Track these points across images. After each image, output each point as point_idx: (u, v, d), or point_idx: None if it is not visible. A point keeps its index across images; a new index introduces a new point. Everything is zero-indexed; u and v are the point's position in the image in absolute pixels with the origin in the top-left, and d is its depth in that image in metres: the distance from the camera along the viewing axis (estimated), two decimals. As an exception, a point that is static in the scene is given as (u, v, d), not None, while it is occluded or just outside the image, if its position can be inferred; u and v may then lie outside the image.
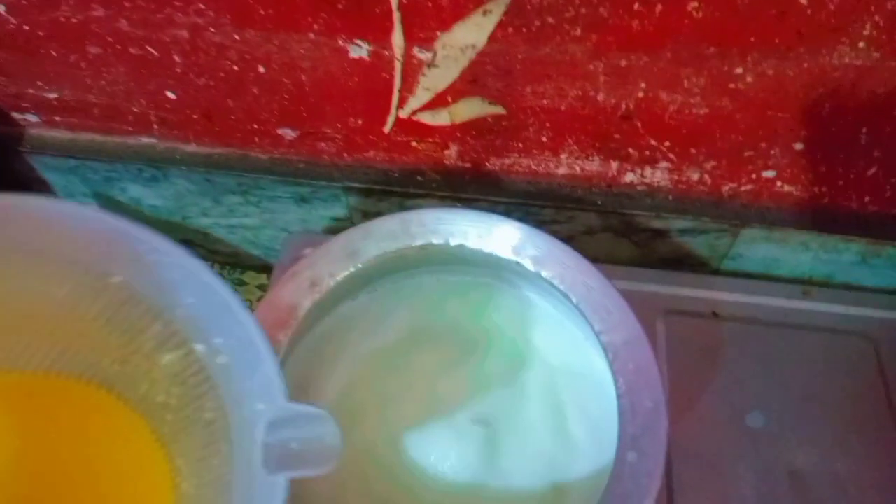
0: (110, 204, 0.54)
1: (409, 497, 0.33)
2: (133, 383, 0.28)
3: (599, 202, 0.46)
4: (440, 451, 0.33)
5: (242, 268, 0.59)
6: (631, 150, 0.43)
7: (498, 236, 0.35)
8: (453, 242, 0.35)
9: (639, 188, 0.45)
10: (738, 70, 0.37)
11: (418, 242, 0.35)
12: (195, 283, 0.26)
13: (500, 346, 0.38)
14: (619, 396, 0.31)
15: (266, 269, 0.58)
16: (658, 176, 0.44)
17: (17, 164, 0.52)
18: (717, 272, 0.50)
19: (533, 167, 0.45)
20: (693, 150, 0.42)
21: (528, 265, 0.34)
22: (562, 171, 0.45)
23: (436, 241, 0.35)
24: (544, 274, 0.34)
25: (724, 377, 0.43)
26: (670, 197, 0.45)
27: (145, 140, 0.48)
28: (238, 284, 0.58)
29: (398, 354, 0.38)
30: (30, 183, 0.53)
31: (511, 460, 0.34)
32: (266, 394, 0.24)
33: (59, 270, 0.26)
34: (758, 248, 0.47)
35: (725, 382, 0.43)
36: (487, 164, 0.45)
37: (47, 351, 0.27)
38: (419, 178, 0.47)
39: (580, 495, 0.31)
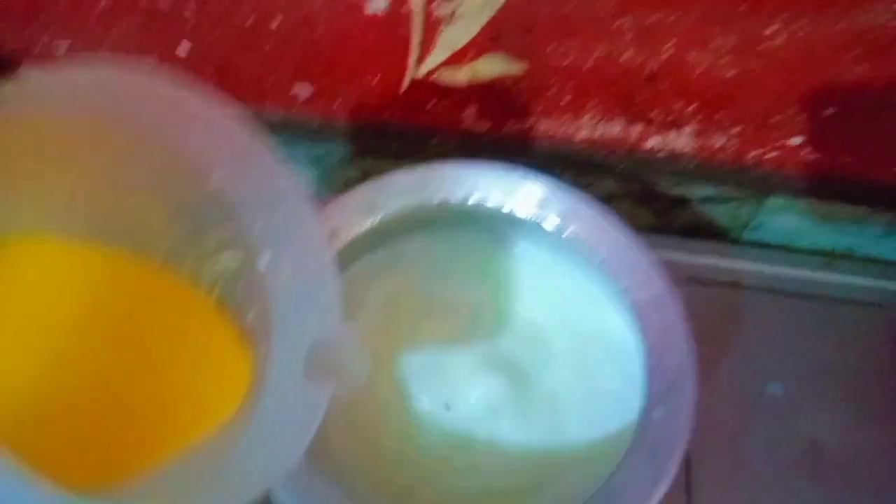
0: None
1: (425, 451, 0.32)
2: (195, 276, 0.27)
3: (620, 168, 0.45)
4: (462, 395, 0.33)
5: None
6: (655, 114, 0.42)
7: (521, 193, 0.34)
8: (472, 200, 0.34)
9: (661, 154, 0.44)
10: (769, 30, 0.36)
11: (437, 198, 0.34)
12: (280, 194, 0.26)
13: (517, 311, 0.37)
14: (645, 353, 0.30)
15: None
16: (681, 142, 0.43)
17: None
18: (737, 242, 0.49)
19: (553, 130, 0.44)
20: (719, 115, 0.41)
21: (551, 224, 0.33)
22: (582, 134, 0.44)
23: (454, 197, 0.34)
24: (568, 232, 0.33)
25: (745, 347, 0.43)
26: (693, 164, 0.44)
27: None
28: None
29: (411, 314, 0.37)
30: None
31: (534, 412, 0.33)
32: (319, 311, 0.25)
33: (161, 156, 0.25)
34: (781, 219, 0.46)
35: (745, 352, 0.42)
36: (506, 127, 0.44)
37: (124, 228, 0.27)
38: (435, 140, 0.46)
39: (606, 452, 0.30)
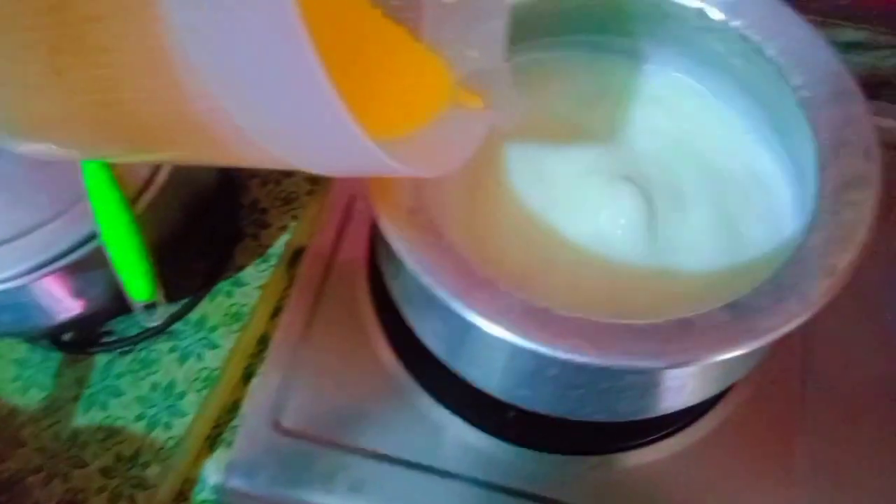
0: None
1: (552, 268, 0.30)
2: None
3: None
4: (590, 209, 0.30)
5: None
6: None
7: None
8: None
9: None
10: None
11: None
12: None
13: (650, 137, 0.34)
14: (818, 151, 0.27)
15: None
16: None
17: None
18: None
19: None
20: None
21: (717, 13, 0.29)
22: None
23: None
24: (736, 22, 0.29)
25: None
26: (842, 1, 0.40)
27: None
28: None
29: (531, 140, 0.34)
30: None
31: (672, 233, 0.30)
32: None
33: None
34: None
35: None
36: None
37: None
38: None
39: (761, 266, 0.27)
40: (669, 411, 0.30)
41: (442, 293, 0.25)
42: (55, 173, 0.35)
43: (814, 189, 0.27)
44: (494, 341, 0.25)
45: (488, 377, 0.31)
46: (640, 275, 0.30)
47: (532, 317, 0.24)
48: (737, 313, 0.24)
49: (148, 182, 0.35)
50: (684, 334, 0.24)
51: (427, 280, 0.25)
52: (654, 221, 0.30)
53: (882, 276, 0.38)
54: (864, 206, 0.26)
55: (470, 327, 0.25)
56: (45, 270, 0.32)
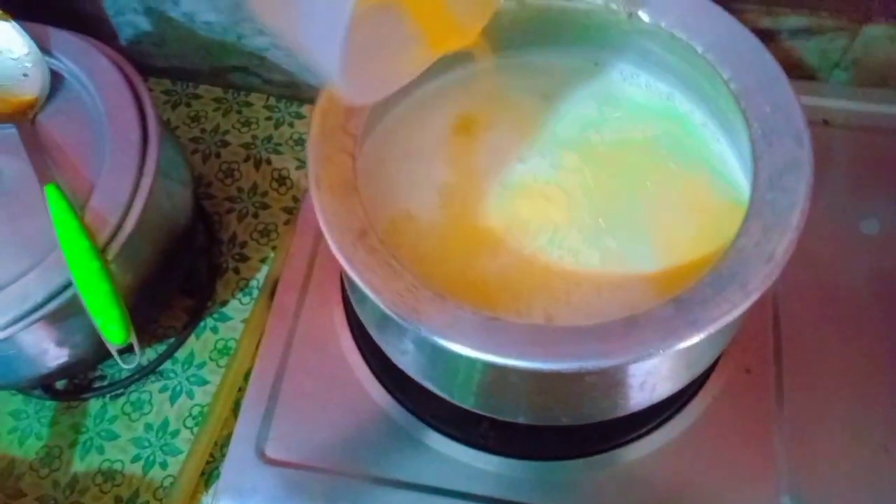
0: (161, 21, 0.51)
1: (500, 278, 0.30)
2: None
3: (703, -6, 0.41)
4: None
5: (300, 101, 0.55)
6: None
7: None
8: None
9: (749, -24, 0.40)
10: None
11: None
12: None
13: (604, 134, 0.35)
14: (752, 142, 0.27)
15: (324, 103, 0.55)
16: (774, -41, 0.39)
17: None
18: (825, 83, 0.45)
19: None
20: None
21: (646, 15, 0.30)
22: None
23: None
24: (665, 22, 0.30)
25: (836, 185, 0.40)
26: (782, -12, 0.40)
27: (198, -60, 0.44)
28: (296, 118, 0.55)
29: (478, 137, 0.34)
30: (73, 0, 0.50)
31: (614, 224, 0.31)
32: None
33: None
34: (877, 53, 0.43)
35: (837, 190, 0.39)
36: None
37: None
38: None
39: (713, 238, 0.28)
40: (638, 409, 0.31)
41: (394, 313, 0.26)
42: (27, 225, 0.36)
43: (750, 177, 0.27)
44: (452, 354, 0.26)
45: (457, 390, 0.31)
46: (590, 278, 0.30)
47: (481, 327, 0.25)
48: (680, 307, 0.25)
49: (117, 228, 0.36)
50: (629, 331, 0.24)
51: (378, 300, 0.26)
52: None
53: (853, 265, 0.38)
54: (798, 190, 0.26)
55: (427, 343, 0.26)
56: (25, 322, 0.33)
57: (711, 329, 0.24)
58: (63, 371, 0.40)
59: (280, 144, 0.54)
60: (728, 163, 0.33)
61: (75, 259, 0.33)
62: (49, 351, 0.37)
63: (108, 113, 0.38)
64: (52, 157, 0.38)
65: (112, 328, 0.32)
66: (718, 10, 0.30)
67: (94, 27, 0.52)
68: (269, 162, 0.53)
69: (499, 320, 0.25)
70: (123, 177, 0.36)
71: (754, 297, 0.24)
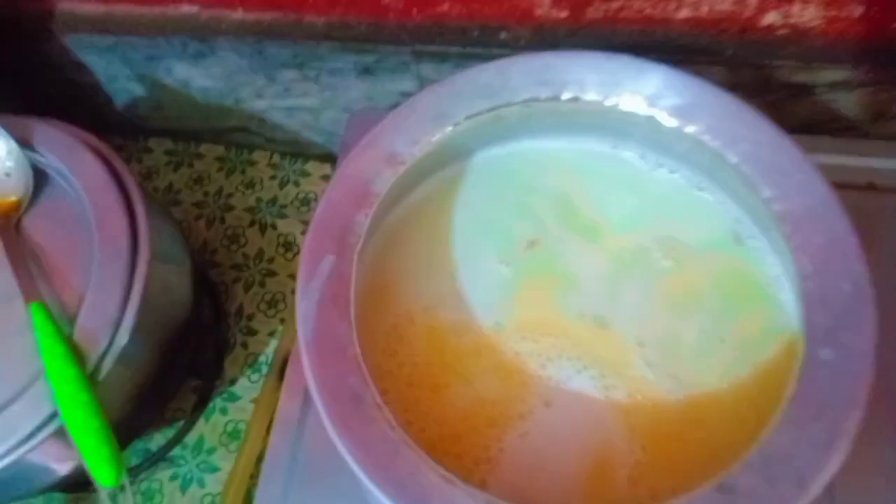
0: (156, 88, 0.49)
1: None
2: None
3: (730, 53, 0.37)
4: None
5: (304, 157, 0.53)
6: (776, -20, 0.34)
7: (627, 82, 0.27)
8: (566, 96, 0.27)
9: (780, 32, 0.36)
10: None
11: (521, 97, 0.28)
12: None
13: (620, 237, 0.31)
14: (801, 279, 0.24)
15: (329, 157, 0.53)
16: (808, 14, 0.35)
17: (48, 47, 0.47)
18: (867, 137, 0.41)
19: (647, 12, 0.37)
20: (858, -24, 0.33)
21: (667, 119, 0.26)
22: (683, 14, 0.36)
23: (544, 93, 0.27)
24: (689, 129, 0.26)
25: (887, 256, 0.36)
26: (819, 42, 0.36)
27: (186, 9, 0.42)
28: (301, 175, 0.53)
29: (494, 240, 0.31)
30: (65, 68, 0.48)
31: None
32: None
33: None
34: (926, 104, 0.39)
35: (888, 262, 0.36)
36: (589, 12, 0.37)
37: None
38: (503, 34, 0.40)
39: (754, 405, 0.24)
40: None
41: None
42: (12, 343, 0.34)
43: (799, 328, 0.23)
44: None
45: None
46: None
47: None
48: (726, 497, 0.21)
49: (109, 344, 0.34)
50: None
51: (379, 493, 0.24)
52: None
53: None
54: (861, 353, 0.22)
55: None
56: (14, 455, 0.32)
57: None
58: (67, 479, 0.39)
59: (285, 206, 0.51)
60: (775, 280, 0.28)
61: (63, 391, 0.31)
62: (49, 469, 0.36)
63: (96, 216, 0.36)
64: (38, 262, 0.36)
65: (102, 470, 0.31)
66: (755, 115, 0.26)
67: (89, 94, 0.51)
68: (274, 227, 0.51)
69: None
70: (113, 286, 0.35)
71: (814, 493, 0.21)
